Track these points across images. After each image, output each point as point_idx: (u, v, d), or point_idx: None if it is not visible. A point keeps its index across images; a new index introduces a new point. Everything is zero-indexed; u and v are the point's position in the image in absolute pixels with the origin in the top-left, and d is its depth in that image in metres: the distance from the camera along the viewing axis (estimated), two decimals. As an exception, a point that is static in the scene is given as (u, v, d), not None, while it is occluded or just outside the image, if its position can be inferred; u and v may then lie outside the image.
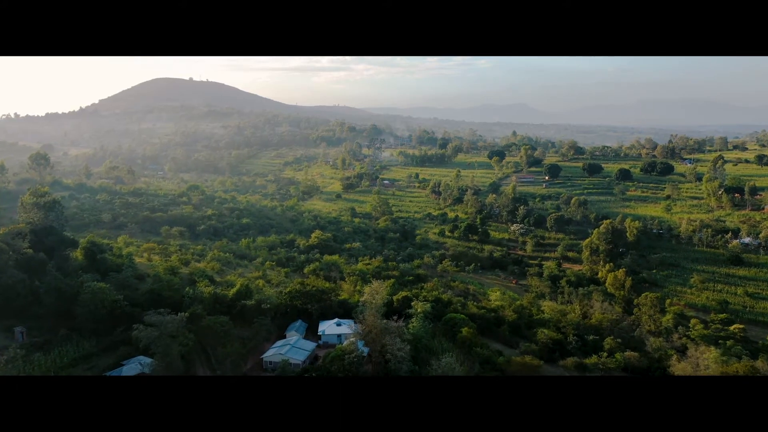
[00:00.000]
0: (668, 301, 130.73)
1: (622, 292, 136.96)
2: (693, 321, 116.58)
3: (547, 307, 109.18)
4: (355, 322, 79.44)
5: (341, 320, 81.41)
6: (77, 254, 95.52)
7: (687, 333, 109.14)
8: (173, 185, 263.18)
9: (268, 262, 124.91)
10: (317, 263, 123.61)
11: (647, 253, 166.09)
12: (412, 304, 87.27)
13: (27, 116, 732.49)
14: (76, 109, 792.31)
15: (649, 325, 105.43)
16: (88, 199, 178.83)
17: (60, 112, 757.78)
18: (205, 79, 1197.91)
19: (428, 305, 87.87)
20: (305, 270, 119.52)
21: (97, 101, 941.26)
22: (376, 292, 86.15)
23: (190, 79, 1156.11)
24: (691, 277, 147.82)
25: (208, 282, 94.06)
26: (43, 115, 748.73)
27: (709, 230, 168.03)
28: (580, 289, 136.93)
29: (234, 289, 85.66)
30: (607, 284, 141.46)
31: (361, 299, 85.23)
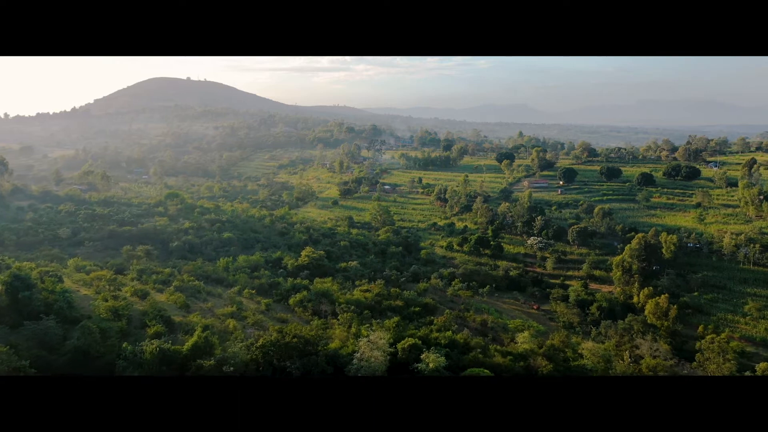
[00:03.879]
0: (723, 334, 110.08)
1: (665, 323, 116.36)
2: (762, 365, 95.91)
3: (587, 350, 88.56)
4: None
5: (330, 384, 61.40)
6: (-2, 290, 75.01)
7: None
8: (155, 191, 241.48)
9: (247, 290, 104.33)
10: (305, 292, 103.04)
11: (685, 272, 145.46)
12: (422, 357, 67.85)
13: (17, 116, 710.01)
14: (68, 109, 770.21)
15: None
16: (48, 211, 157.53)
17: (51, 113, 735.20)
18: (202, 79, 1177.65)
19: (442, 357, 68.47)
20: (290, 301, 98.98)
21: (92, 101, 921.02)
22: (375, 345, 66.84)
23: (188, 78, 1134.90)
24: (745, 303, 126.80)
25: (161, 326, 73.59)
26: (34, 115, 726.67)
27: (757, 245, 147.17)
28: (620, 322, 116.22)
29: (189, 342, 65.19)
30: (646, 312, 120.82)
31: (357, 353, 66.38)
